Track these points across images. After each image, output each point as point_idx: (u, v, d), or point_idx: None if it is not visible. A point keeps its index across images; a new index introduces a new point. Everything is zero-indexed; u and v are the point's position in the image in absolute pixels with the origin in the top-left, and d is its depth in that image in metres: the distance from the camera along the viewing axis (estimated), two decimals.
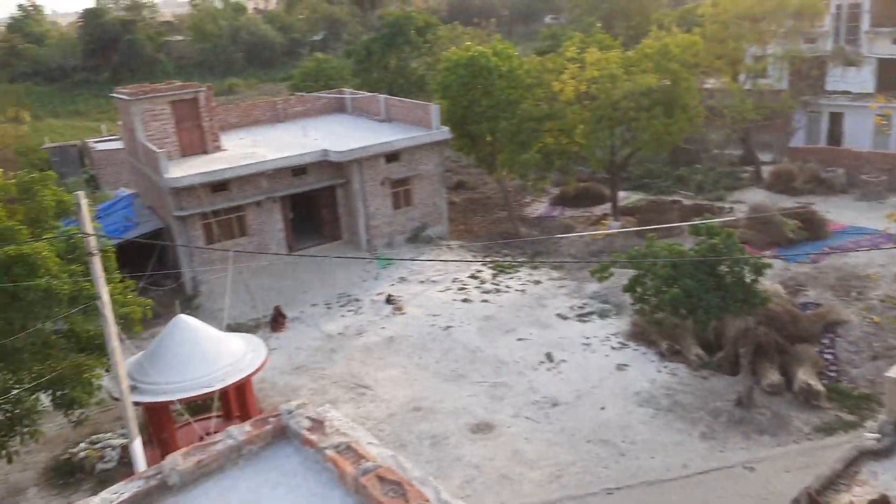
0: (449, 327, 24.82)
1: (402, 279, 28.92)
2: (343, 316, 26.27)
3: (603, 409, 19.57)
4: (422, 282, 28.68)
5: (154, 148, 28.56)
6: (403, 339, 24.21)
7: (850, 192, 35.21)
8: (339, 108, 40.22)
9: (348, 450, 4.17)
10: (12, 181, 18.03)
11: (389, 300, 26.91)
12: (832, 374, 20.54)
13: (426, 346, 23.72)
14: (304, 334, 25.09)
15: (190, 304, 26.95)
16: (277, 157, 30.04)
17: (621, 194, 35.12)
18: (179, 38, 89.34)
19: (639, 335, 23.13)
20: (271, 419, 4.68)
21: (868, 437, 8.69)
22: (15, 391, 14.53)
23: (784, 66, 39.05)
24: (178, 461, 4.26)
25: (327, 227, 32.53)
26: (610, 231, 29.99)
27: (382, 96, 37.12)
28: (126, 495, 4.07)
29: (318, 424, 4.53)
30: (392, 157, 31.56)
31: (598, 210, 35.39)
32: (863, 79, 40.34)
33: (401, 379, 21.77)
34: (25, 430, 14.47)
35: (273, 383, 21.82)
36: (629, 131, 31.44)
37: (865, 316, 23.16)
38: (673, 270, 19.98)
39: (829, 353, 21.53)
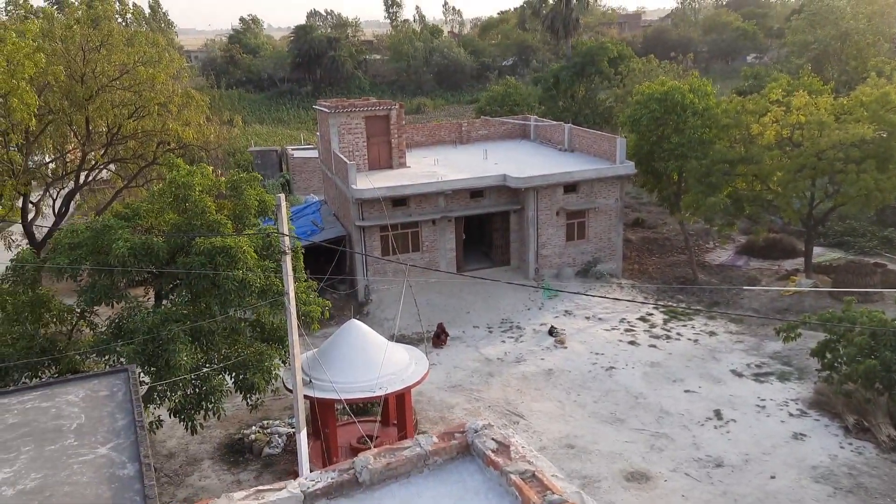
0: (612, 368, 24.04)
1: (568, 312, 28.45)
2: (503, 341, 26.25)
3: (773, 478, 17.99)
4: (587, 318, 28.06)
5: (345, 159, 30.25)
6: (563, 374, 23.74)
7: None
8: (522, 134, 40.59)
9: (533, 478, 4.06)
10: (223, 179, 19.78)
11: (552, 332, 26.56)
12: None
13: (586, 383, 23.10)
14: (463, 354, 25.33)
15: (361, 311, 28.14)
16: (458, 178, 30.75)
17: (816, 250, 32.43)
18: (377, 56, 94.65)
19: (822, 405, 21.09)
20: (457, 434, 4.67)
21: None
22: (205, 369, 15.79)
23: None
24: (370, 460, 4.36)
25: (497, 252, 32.77)
26: (800, 288, 27.74)
27: (567, 125, 36.99)
28: (321, 484, 4.22)
29: (503, 448, 4.45)
30: (570, 187, 31.27)
31: (788, 264, 32.88)
32: None
33: (556, 413, 21.32)
34: (210, 406, 15.66)
35: (429, 398, 22.17)
36: (833, 184, 28.98)
37: None
38: (871, 340, 18.12)
39: None
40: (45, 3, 63.57)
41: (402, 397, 18.00)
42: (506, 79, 55.57)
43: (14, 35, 20.36)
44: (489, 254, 33.26)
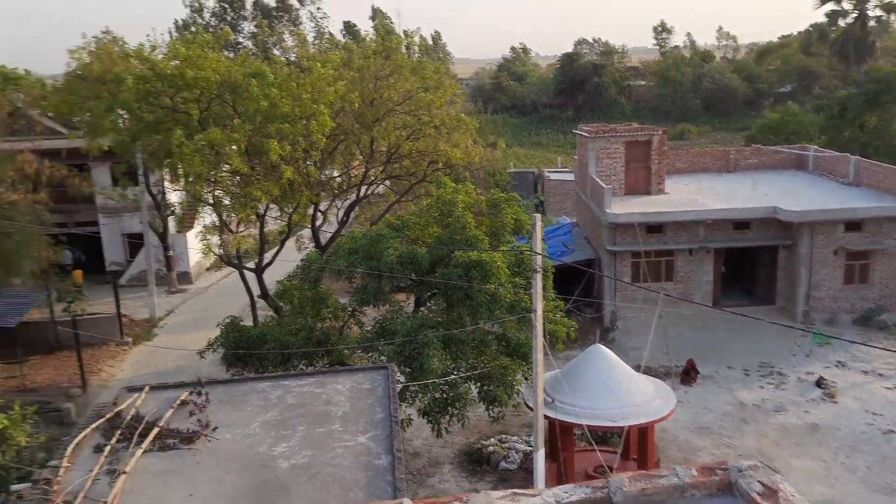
0: (891, 432, 21.03)
1: (841, 364, 25.46)
2: (762, 387, 24.20)
3: None
4: (865, 371, 24.88)
5: (601, 183, 30.08)
6: (830, 431, 21.27)
7: None
8: (797, 164, 37.29)
9: None
10: (483, 197, 20.75)
11: (820, 383, 23.93)
12: None
13: (857, 445, 20.46)
14: (714, 395, 23.79)
15: (606, 336, 27.69)
16: (720, 207, 29.11)
17: None
18: (641, 82, 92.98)
19: None
20: (718, 471, 4.44)
21: None
22: (453, 376, 16.63)
23: None
24: (625, 483, 4.31)
25: (760, 289, 30.37)
26: None
27: (853, 157, 33.28)
28: (574, 497, 4.27)
29: (771, 492, 4.14)
30: (853, 225, 28.04)
31: None
32: None
33: (819, 474, 19.16)
34: (455, 411, 16.46)
35: (673, 436, 21.13)
36: None
37: None
38: None
39: None
40: (343, 37, 71.78)
41: (644, 431, 17.40)
42: (784, 105, 51.42)
43: (319, 66, 23.30)
44: (751, 290, 30.92)
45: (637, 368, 19.28)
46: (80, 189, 30.35)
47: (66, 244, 31.33)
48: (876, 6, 50.87)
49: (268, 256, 26.26)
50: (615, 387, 16.73)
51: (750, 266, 30.90)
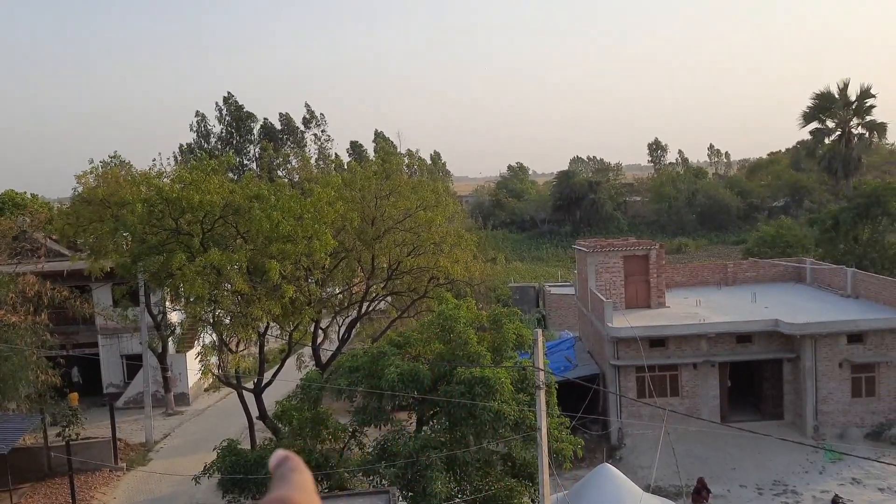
0: None
1: (856, 481, 24.65)
2: None
3: None
4: (881, 489, 24.04)
5: (602, 297, 30.21)
6: None
7: None
8: (795, 277, 37.58)
9: None
10: (485, 312, 20.81)
11: (836, 501, 23.08)
12: None
13: None
14: None
15: (613, 455, 26.97)
16: (722, 320, 29.10)
17: None
18: (637, 198, 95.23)
19: None
20: None
21: None
22: (457, 500, 16.09)
23: None
24: None
25: (768, 404, 29.84)
26: None
27: (850, 269, 33.59)
28: None
29: None
30: (855, 337, 27.93)
31: None
32: None
33: None
34: None
35: None
36: None
37: None
38: None
39: None
40: (349, 155, 74.22)
41: None
42: (778, 219, 52.46)
43: (318, 188, 24.02)
44: (758, 405, 30.38)
45: (646, 488, 18.67)
46: (81, 310, 30.47)
47: (65, 365, 31.10)
48: (859, 124, 52.98)
49: (267, 376, 26.00)
50: None
51: (755, 380, 30.51)
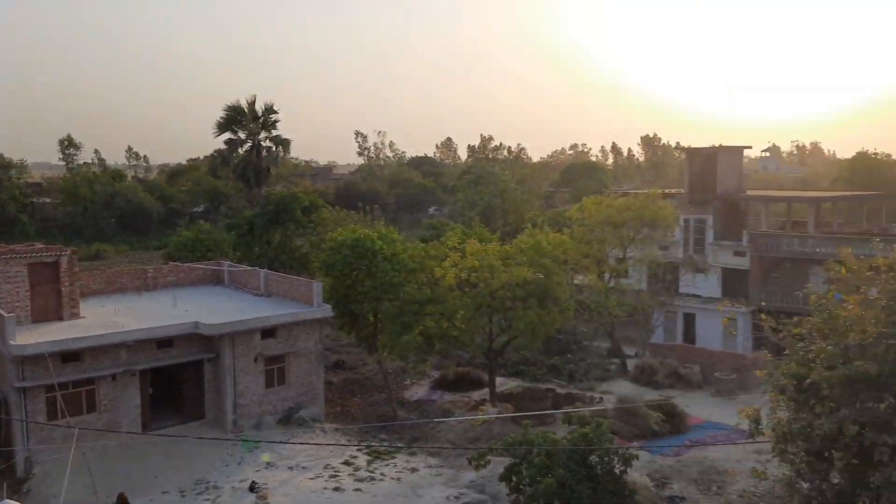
0: None
1: (270, 465, 26.88)
2: None
3: None
4: (290, 468, 26.76)
5: (2, 312, 26.29)
6: None
7: (706, 388, 37.14)
8: (215, 280, 39.19)
9: None
10: None
11: (253, 488, 24.76)
12: None
13: None
14: None
15: (20, 489, 23.63)
16: (141, 327, 28.37)
17: (498, 380, 35.35)
18: (47, 199, 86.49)
19: None
20: None
21: None
22: None
23: (642, 269, 42.44)
24: None
25: (189, 405, 30.30)
26: (487, 417, 29.71)
27: (263, 271, 36.63)
28: None
29: None
30: (268, 332, 30.57)
31: (477, 395, 35.27)
32: (710, 284, 44.39)
33: None
34: None
35: None
36: (506, 320, 32.32)
37: None
38: (547, 459, 19.77)
39: None
40: None
41: None
42: (198, 224, 53.95)
43: None
44: (181, 408, 30.57)
45: None
46: None
47: None
48: (267, 138, 58.47)
49: None
50: None
51: (178, 384, 30.65)
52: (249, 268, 38.64)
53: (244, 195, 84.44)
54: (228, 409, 29.51)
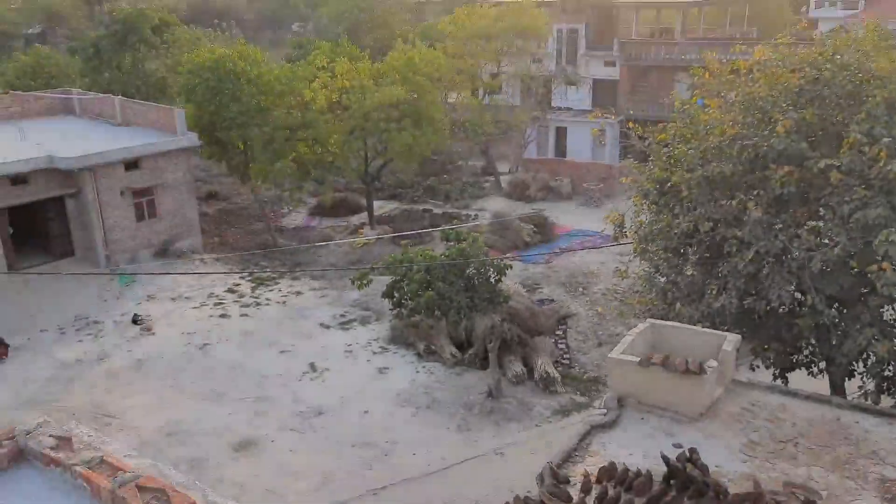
0: (206, 345, 23.60)
1: (151, 297, 26.91)
2: (81, 341, 23.79)
3: (366, 412, 19.90)
4: (173, 299, 26.91)
5: None
6: (155, 361, 22.56)
7: (574, 198, 39.43)
8: (65, 109, 36.30)
9: (102, 464, 3.79)
10: None
11: (136, 320, 24.90)
12: (566, 362, 22.88)
13: (181, 366, 22.31)
14: (32, 364, 22.31)
15: None
16: None
17: (376, 204, 35.95)
18: None
19: (398, 339, 23.85)
20: (5, 442, 4.09)
21: (596, 413, 9.79)
22: None
23: (516, 84, 42.77)
24: None
25: (56, 243, 29.15)
26: (367, 239, 30.54)
27: (117, 98, 34.16)
28: None
29: (64, 442, 4.06)
30: (132, 164, 29.23)
31: (356, 220, 35.88)
32: (581, 96, 45.54)
33: (152, 404, 20.26)
34: None
35: None
36: (381, 142, 32.27)
37: (590, 308, 26.10)
38: (427, 275, 20.92)
39: (562, 343, 23.96)
40: None
41: None
42: (35, 47, 48.57)
43: None
44: (47, 247, 29.42)
45: None
46: None
47: None
48: None
49: None
50: None
51: (43, 223, 29.22)
52: (102, 95, 35.89)
53: (84, 13, 76.38)
54: (99, 245, 28.69)
